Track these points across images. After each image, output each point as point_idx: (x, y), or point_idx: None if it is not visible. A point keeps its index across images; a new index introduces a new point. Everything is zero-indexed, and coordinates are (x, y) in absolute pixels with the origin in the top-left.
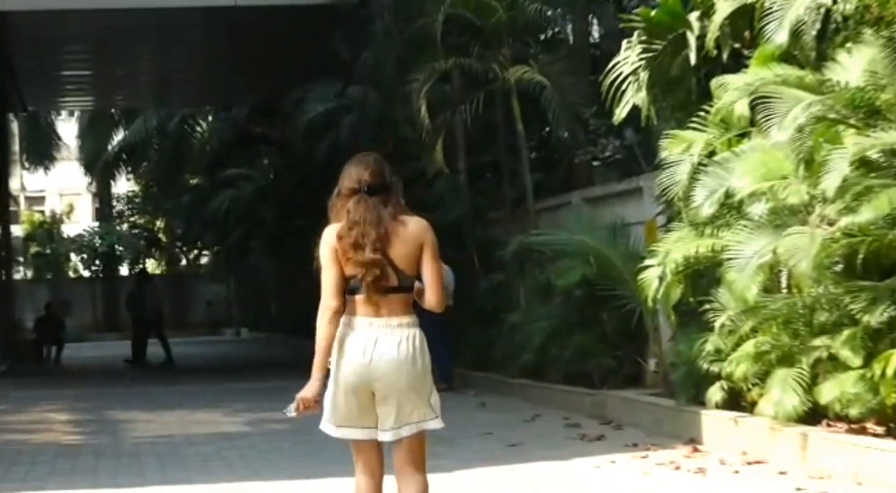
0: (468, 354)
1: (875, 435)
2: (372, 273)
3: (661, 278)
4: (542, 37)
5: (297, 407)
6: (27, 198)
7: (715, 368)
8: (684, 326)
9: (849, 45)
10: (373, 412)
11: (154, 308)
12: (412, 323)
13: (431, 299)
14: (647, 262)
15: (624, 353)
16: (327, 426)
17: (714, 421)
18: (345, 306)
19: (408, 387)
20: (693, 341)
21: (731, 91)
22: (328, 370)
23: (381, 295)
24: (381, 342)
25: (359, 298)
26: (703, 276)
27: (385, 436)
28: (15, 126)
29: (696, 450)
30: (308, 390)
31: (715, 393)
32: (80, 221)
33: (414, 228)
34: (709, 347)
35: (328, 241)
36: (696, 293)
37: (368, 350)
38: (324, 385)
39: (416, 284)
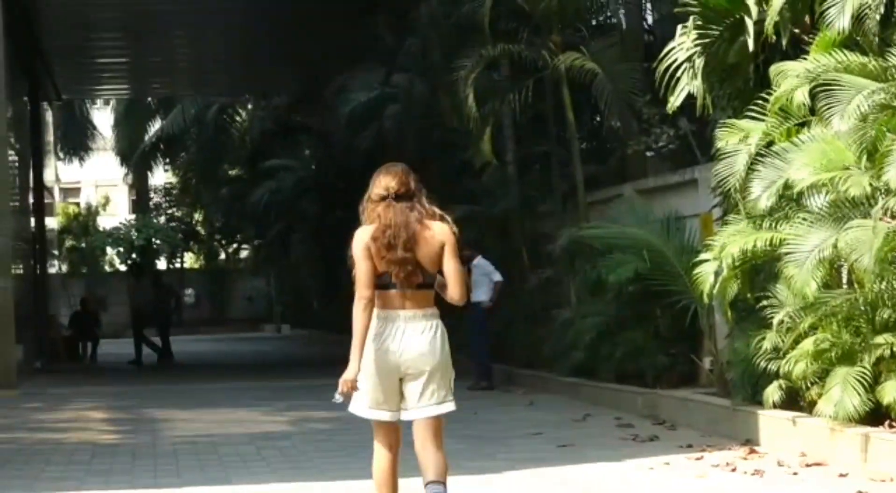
0: (517, 352)
1: None
2: (404, 270)
3: (717, 273)
4: (594, 22)
5: (341, 390)
6: (62, 189)
7: (773, 366)
8: (741, 323)
9: None
10: (398, 395)
11: (143, 305)
12: (434, 314)
13: (453, 293)
14: (702, 256)
15: (678, 351)
16: (358, 408)
17: (772, 421)
18: (374, 297)
19: (433, 371)
20: (750, 338)
21: (791, 79)
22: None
23: (412, 290)
24: (409, 332)
25: (389, 293)
26: (760, 271)
27: (408, 415)
28: (49, 115)
29: (752, 451)
30: (349, 373)
31: (772, 392)
32: (117, 214)
33: (436, 231)
34: (766, 344)
35: (362, 240)
36: (753, 289)
37: (399, 339)
38: (360, 355)
39: (438, 278)
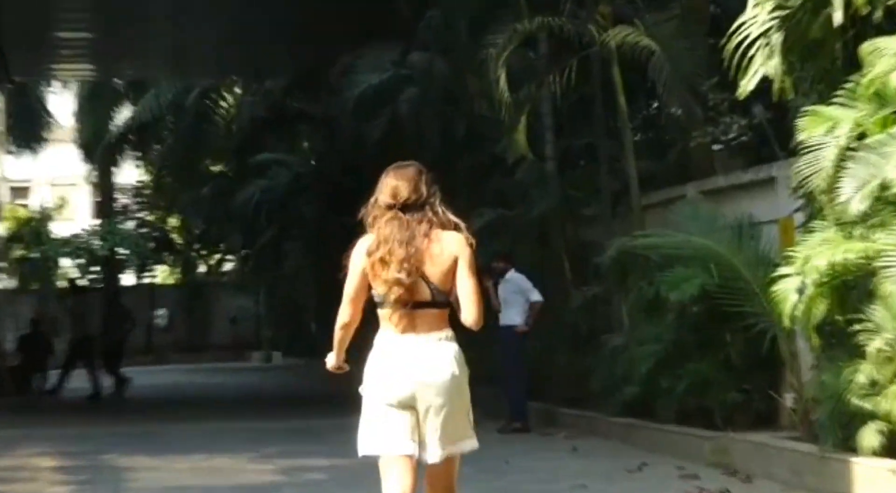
0: (557, 385)
1: None
2: (396, 291)
3: (801, 291)
4: None
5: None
6: (11, 189)
7: (868, 404)
8: (829, 351)
9: None
10: (414, 429)
11: (77, 327)
12: (450, 338)
13: (467, 316)
14: (782, 270)
15: (753, 385)
16: (368, 446)
17: (868, 472)
18: (358, 317)
19: (451, 405)
20: (841, 370)
21: (887, 58)
22: (345, 356)
23: (406, 310)
24: (423, 359)
25: (392, 313)
26: (852, 288)
27: (431, 457)
28: None
29: None
30: (328, 359)
31: (869, 436)
32: (76, 219)
33: (448, 244)
34: (860, 378)
35: (359, 253)
36: (844, 310)
37: (411, 367)
38: (341, 358)
39: (455, 294)
